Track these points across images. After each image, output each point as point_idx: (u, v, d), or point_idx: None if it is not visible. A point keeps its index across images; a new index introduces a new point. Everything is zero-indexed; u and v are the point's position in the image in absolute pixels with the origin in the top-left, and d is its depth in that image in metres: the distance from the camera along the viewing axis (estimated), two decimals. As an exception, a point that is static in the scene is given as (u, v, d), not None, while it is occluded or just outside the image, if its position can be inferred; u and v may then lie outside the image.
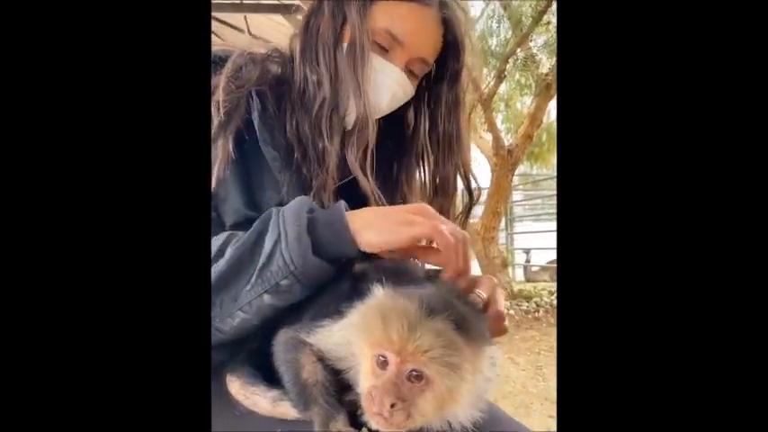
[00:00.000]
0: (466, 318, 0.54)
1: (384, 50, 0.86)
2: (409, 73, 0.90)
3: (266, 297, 0.67)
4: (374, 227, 0.67)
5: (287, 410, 0.63)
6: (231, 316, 0.68)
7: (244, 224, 0.77)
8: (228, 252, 0.68)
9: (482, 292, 0.68)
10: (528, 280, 8.13)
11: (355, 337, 0.55)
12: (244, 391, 0.67)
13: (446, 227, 0.66)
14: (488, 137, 6.19)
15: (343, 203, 0.71)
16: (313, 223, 0.68)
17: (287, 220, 0.67)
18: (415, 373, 0.51)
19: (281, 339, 0.64)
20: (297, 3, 3.92)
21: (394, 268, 0.67)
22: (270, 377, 0.70)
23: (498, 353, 0.56)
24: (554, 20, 5.29)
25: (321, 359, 0.61)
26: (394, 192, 0.97)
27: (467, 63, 0.94)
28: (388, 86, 0.87)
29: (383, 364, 0.52)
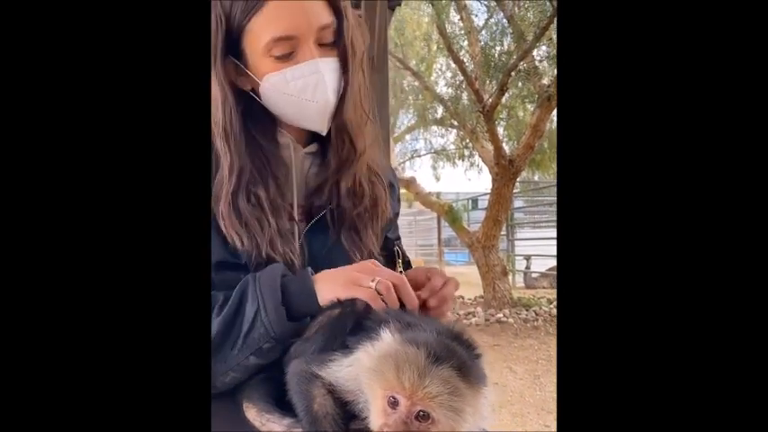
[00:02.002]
0: (466, 363, 0.60)
1: (289, 54, 0.84)
2: (322, 47, 0.87)
3: (252, 359, 0.78)
4: (329, 288, 0.78)
5: (300, 437, 0.70)
6: (223, 375, 0.78)
7: (222, 264, 0.84)
8: (216, 321, 0.77)
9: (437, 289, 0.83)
10: (528, 287, 8.19)
11: (367, 378, 0.62)
12: (260, 418, 0.74)
13: (382, 282, 0.77)
14: (490, 147, 6.26)
15: (309, 271, 0.82)
16: (286, 293, 0.78)
17: (264, 291, 0.78)
18: (422, 413, 0.57)
19: (295, 371, 0.70)
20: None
21: (394, 312, 0.74)
22: (282, 401, 0.77)
23: (492, 393, 0.63)
24: (555, 36, 5.35)
25: (331, 391, 0.67)
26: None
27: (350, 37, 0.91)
28: (316, 82, 0.86)
29: (394, 404, 0.58)
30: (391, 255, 1.05)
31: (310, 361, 0.70)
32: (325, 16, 0.86)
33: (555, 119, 6.49)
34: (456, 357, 0.60)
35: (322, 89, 0.86)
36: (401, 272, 1.03)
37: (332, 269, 0.83)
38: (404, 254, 1.07)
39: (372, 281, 0.77)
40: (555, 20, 5.13)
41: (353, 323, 0.74)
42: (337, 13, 0.88)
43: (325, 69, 0.86)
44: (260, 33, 0.82)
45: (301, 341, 0.77)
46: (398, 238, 1.10)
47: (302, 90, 0.86)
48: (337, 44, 0.88)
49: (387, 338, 0.63)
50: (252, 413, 0.75)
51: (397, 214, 1.09)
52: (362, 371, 0.63)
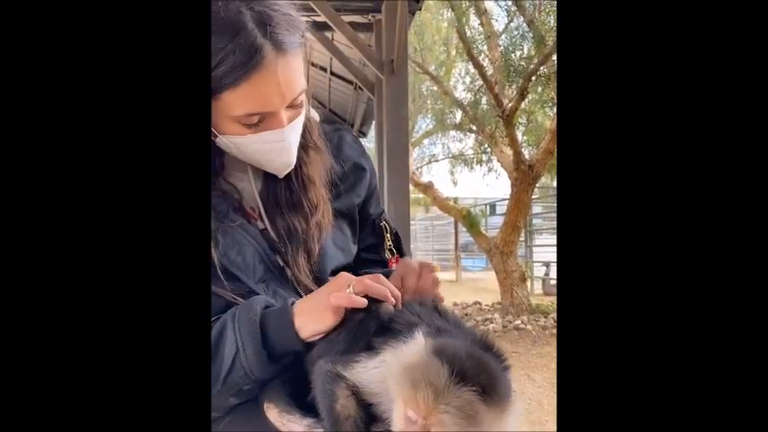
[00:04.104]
0: (493, 380, 0.58)
1: (258, 123, 0.80)
2: (291, 108, 0.83)
3: (232, 399, 0.78)
4: (310, 320, 0.76)
5: (320, 438, 0.70)
6: None
7: None
8: None
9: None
10: (546, 293, 8.10)
11: (392, 383, 0.60)
12: (281, 419, 0.74)
13: (358, 284, 0.75)
14: (509, 151, 6.21)
15: (289, 305, 0.78)
16: (266, 334, 0.76)
17: (242, 334, 0.75)
18: None
19: (321, 370, 0.70)
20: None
21: (423, 311, 0.73)
22: (303, 402, 0.77)
23: (520, 406, 0.61)
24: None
25: (355, 393, 0.66)
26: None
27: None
28: (281, 149, 0.84)
29: (410, 418, 0.57)
30: (378, 230, 1.04)
31: (336, 361, 0.70)
32: (300, 84, 0.82)
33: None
34: (483, 374, 0.57)
35: (287, 153, 0.85)
36: (390, 246, 1.04)
37: (309, 296, 0.80)
38: (391, 227, 1.06)
39: (348, 287, 0.75)
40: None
41: (377, 326, 0.74)
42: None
43: (293, 132, 0.84)
44: (231, 106, 0.78)
45: (324, 342, 0.77)
46: (383, 212, 1.07)
47: (267, 152, 0.84)
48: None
49: (419, 341, 0.61)
50: (273, 413, 0.75)
51: (375, 187, 1.06)
52: (389, 373, 0.62)
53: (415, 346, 0.61)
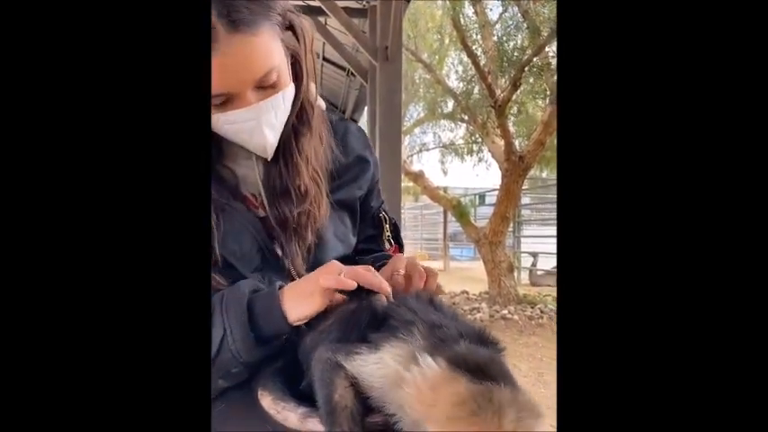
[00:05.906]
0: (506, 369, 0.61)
1: (222, 103, 0.79)
2: (263, 89, 0.81)
3: (220, 382, 0.78)
4: (297, 304, 0.76)
5: (315, 426, 0.69)
6: None
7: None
8: None
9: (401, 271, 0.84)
10: (533, 284, 8.18)
11: (438, 416, 0.57)
12: (275, 406, 0.73)
13: (349, 271, 0.75)
14: (500, 142, 6.22)
15: (276, 288, 0.77)
16: (253, 317, 0.76)
17: (229, 316, 0.75)
18: None
19: (321, 358, 0.69)
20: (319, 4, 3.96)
21: (419, 306, 0.72)
22: (297, 391, 0.76)
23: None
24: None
25: (353, 384, 0.66)
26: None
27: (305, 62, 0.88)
28: (252, 128, 0.82)
29: None
30: (377, 221, 1.05)
31: (336, 350, 0.69)
32: (266, 64, 0.78)
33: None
34: (499, 368, 0.59)
35: (258, 133, 0.82)
36: (389, 236, 1.05)
37: (297, 281, 0.80)
38: (389, 217, 1.06)
39: (338, 274, 0.75)
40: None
41: (371, 317, 0.73)
42: (288, 47, 0.83)
43: (266, 113, 0.81)
44: None
45: (316, 333, 0.77)
46: (382, 203, 1.08)
47: (238, 132, 0.82)
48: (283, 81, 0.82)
49: (430, 363, 0.59)
50: (267, 401, 0.75)
51: (377, 181, 1.06)
52: (420, 408, 0.59)
53: (430, 369, 0.59)
